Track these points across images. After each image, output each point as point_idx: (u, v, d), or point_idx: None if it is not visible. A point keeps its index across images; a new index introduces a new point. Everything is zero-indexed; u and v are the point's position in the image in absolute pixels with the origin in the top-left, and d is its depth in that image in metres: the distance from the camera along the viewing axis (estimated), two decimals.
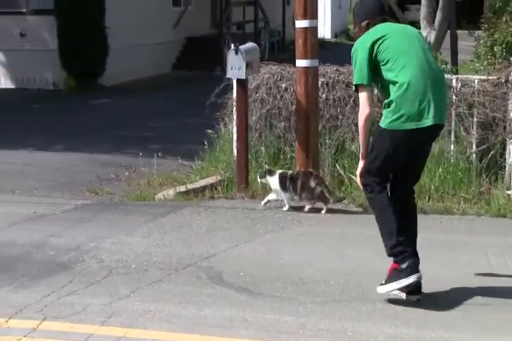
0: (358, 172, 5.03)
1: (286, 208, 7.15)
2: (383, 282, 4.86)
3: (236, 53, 7.75)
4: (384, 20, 5.09)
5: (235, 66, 7.77)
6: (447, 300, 4.95)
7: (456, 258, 5.81)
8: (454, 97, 7.66)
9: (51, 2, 17.20)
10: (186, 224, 6.70)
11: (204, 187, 8.01)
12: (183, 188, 8.06)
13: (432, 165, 7.47)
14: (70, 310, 4.79)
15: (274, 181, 7.19)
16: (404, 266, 4.77)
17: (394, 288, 4.82)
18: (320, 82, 7.91)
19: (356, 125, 8.12)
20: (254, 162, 8.14)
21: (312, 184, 7.07)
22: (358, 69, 4.88)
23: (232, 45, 7.93)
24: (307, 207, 7.11)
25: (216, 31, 21.99)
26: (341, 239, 6.31)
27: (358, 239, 6.21)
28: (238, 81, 7.91)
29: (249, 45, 8.37)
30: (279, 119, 8.32)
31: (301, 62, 7.69)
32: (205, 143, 8.96)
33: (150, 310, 4.78)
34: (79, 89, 17.02)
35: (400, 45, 4.89)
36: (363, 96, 4.90)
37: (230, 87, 8.48)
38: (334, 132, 8.08)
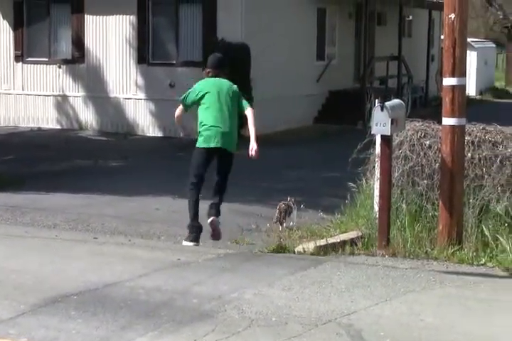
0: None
1: None
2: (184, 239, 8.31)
3: (382, 109, 7.75)
4: (217, 76, 8.44)
5: (380, 122, 7.78)
6: None
7: None
8: None
9: (201, 54, 17.85)
10: (326, 279, 6.70)
11: (344, 242, 8.02)
12: (323, 242, 8.10)
13: None
14: None
15: None
16: (191, 235, 8.25)
17: (184, 245, 8.21)
18: (465, 141, 7.83)
19: (502, 186, 8.01)
20: (395, 219, 8.09)
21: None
22: (188, 96, 8.46)
23: (377, 102, 7.96)
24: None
25: (359, 85, 22.12)
26: (487, 305, 6.12)
27: (506, 305, 6.02)
28: (383, 137, 7.92)
29: (395, 101, 8.37)
30: (422, 177, 8.26)
31: (447, 121, 7.66)
32: (346, 197, 8.98)
33: None
34: None
35: (211, 98, 8.29)
36: (179, 106, 8.62)
37: (372, 142, 8.51)
38: (479, 192, 7.94)
